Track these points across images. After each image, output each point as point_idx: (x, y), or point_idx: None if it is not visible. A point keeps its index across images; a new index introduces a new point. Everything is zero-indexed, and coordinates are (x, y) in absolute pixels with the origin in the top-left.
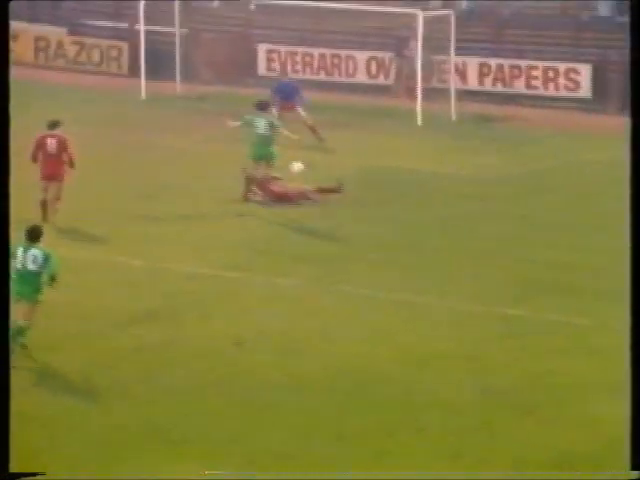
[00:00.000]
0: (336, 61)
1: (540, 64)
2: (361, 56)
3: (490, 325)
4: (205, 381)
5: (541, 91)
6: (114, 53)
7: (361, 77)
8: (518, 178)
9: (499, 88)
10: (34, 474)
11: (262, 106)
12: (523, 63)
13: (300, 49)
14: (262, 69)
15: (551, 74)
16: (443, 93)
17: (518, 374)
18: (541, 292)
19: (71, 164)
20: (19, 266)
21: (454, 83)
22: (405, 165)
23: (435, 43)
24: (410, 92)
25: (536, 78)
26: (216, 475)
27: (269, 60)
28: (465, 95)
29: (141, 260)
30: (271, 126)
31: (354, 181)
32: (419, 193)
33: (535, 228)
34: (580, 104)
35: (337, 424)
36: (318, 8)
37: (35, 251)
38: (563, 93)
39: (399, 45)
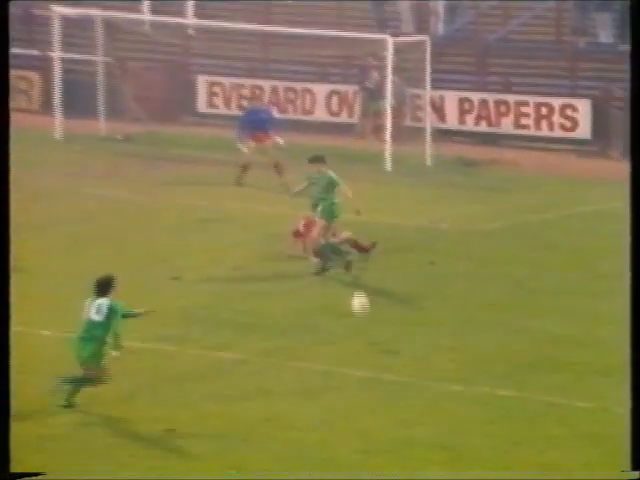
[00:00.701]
0: (291, 95)
1: (531, 99)
2: (320, 90)
3: (472, 408)
4: (129, 474)
5: (532, 131)
6: (23, 85)
7: (320, 114)
8: (505, 232)
9: (483, 127)
10: (34, 474)
11: (321, 159)
12: (511, 98)
13: (248, 81)
14: (202, 104)
15: (544, 111)
16: (417, 133)
17: (505, 466)
18: (534, 369)
19: None
20: (85, 317)
21: (430, 121)
22: (372, 218)
23: (408, 74)
24: (378, 132)
25: (526, 116)
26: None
27: (211, 94)
28: (443, 135)
29: (51, 330)
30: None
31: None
32: (391, 251)
33: (527, 292)
34: (578, 146)
35: None
36: (269, 34)
37: (101, 300)
38: (558, 133)
39: (364, 77)
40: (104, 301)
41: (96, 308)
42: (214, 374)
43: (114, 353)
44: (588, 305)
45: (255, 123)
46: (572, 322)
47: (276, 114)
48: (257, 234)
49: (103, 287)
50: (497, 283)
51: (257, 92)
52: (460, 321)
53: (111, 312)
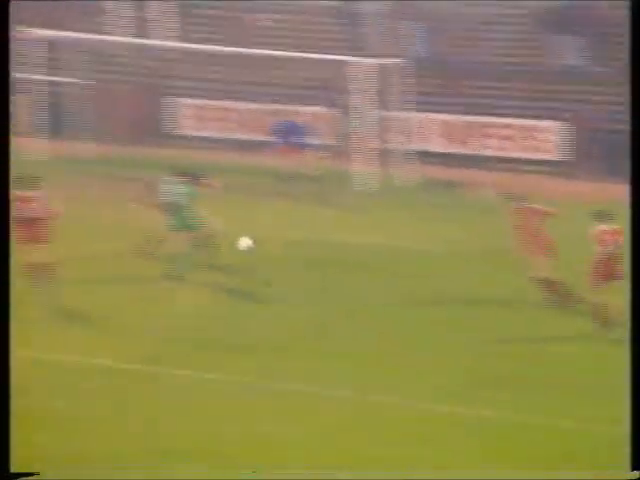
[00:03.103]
0: (262, 117)
1: (501, 121)
2: (292, 111)
3: (453, 429)
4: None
5: (503, 153)
6: None
7: None
8: (482, 256)
9: (455, 149)
10: (34, 474)
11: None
12: (482, 120)
13: (219, 103)
14: (176, 126)
15: (515, 133)
16: (387, 154)
17: None
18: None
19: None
20: None
21: (401, 143)
22: (347, 239)
23: (379, 96)
24: (350, 153)
25: (496, 137)
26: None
27: (184, 116)
28: (414, 156)
29: (32, 350)
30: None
31: (294, 259)
32: (366, 272)
33: (492, 310)
34: (550, 167)
35: None
36: (240, 56)
37: None
38: (530, 155)
39: (336, 99)
40: None
41: None
42: (200, 395)
43: None
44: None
45: (284, 135)
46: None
47: (247, 135)
48: (242, 253)
49: None
50: (469, 303)
51: (230, 114)
52: (434, 341)
53: None
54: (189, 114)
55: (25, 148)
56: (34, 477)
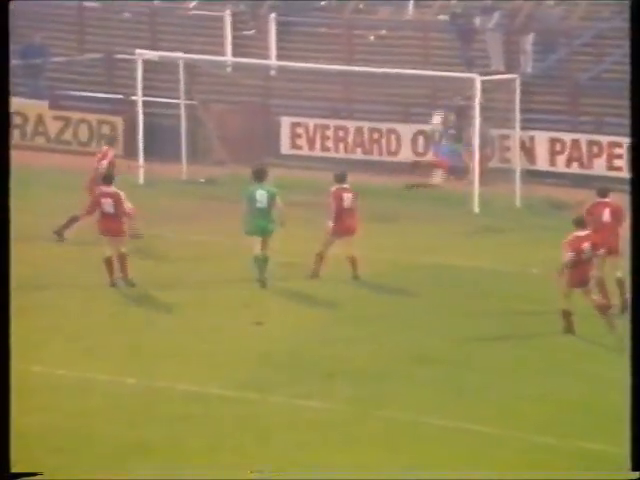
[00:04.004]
0: (376, 136)
1: (624, 140)
2: (406, 130)
3: (562, 460)
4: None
5: (626, 173)
6: (106, 129)
7: (406, 155)
8: None
9: (575, 169)
10: (34, 474)
11: (259, 175)
12: (604, 139)
13: (332, 122)
14: (286, 146)
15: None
16: (506, 174)
17: None
18: None
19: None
20: None
21: (519, 162)
22: (458, 262)
23: (496, 114)
24: (465, 173)
25: (619, 157)
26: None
27: (294, 135)
28: (533, 177)
29: (134, 378)
30: (270, 197)
31: (396, 282)
32: (475, 297)
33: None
34: None
35: None
36: (352, 73)
37: None
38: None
39: (448, 117)
40: None
41: None
42: (298, 423)
43: None
44: None
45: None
46: None
47: (361, 155)
48: (341, 277)
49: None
50: (587, 328)
51: (341, 133)
52: (549, 369)
53: None
54: (292, 133)
55: (120, 171)
56: (34, 477)
